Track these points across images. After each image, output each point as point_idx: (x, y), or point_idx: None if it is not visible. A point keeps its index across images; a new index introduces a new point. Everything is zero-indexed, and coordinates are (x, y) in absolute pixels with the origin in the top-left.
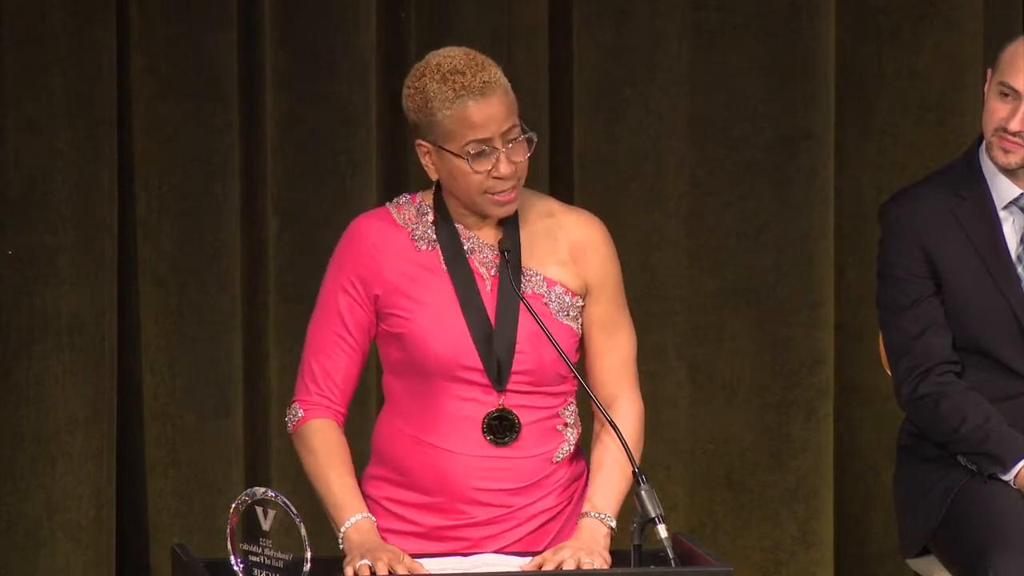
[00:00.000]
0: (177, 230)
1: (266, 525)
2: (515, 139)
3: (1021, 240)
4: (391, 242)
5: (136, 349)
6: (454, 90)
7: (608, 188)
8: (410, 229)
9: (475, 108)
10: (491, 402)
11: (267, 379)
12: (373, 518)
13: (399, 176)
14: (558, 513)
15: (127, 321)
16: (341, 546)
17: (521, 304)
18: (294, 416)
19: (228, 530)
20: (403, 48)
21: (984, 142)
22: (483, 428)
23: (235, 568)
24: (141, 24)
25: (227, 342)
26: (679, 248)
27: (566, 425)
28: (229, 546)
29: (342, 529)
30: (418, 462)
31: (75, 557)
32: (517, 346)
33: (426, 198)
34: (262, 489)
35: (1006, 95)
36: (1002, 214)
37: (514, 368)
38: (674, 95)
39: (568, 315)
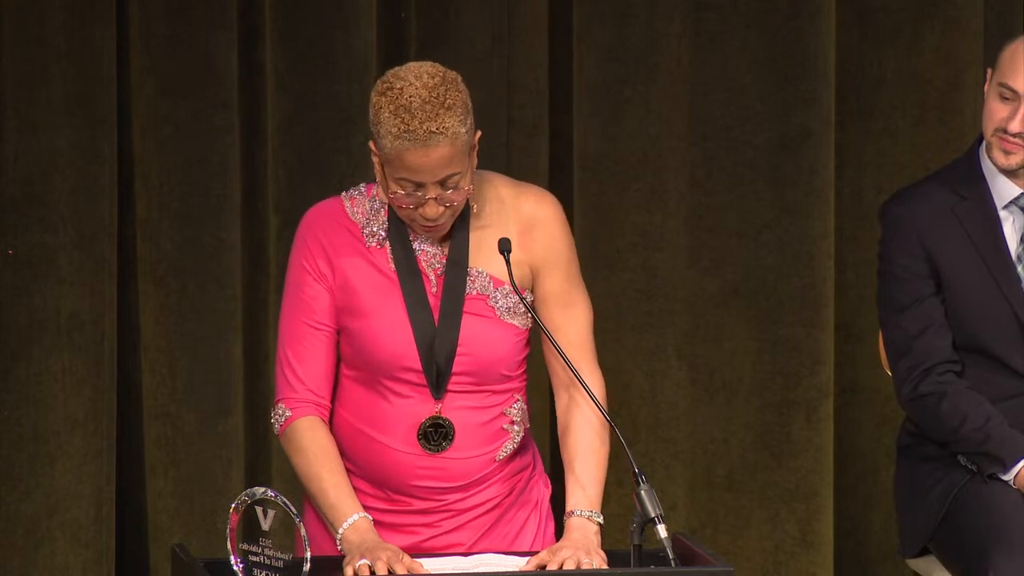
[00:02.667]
0: (177, 230)
1: (266, 525)
2: (453, 186)
3: (1021, 240)
4: (342, 236)
5: (136, 349)
6: (399, 129)
7: (608, 188)
8: (361, 225)
9: (413, 155)
10: (429, 408)
11: (267, 379)
12: (370, 517)
13: None
14: (495, 506)
15: (127, 321)
16: (339, 547)
17: (464, 305)
18: (281, 416)
19: (228, 530)
20: (403, 48)
21: (984, 142)
22: (418, 435)
23: (235, 568)
24: (141, 24)
25: (227, 342)
26: (679, 248)
27: (512, 423)
28: (229, 546)
29: (340, 531)
30: (360, 450)
31: (75, 556)
32: (459, 348)
33: (381, 192)
34: (262, 489)
35: (1006, 96)
36: (1002, 214)
37: (455, 369)
38: (674, 95)
39: (514, 312)
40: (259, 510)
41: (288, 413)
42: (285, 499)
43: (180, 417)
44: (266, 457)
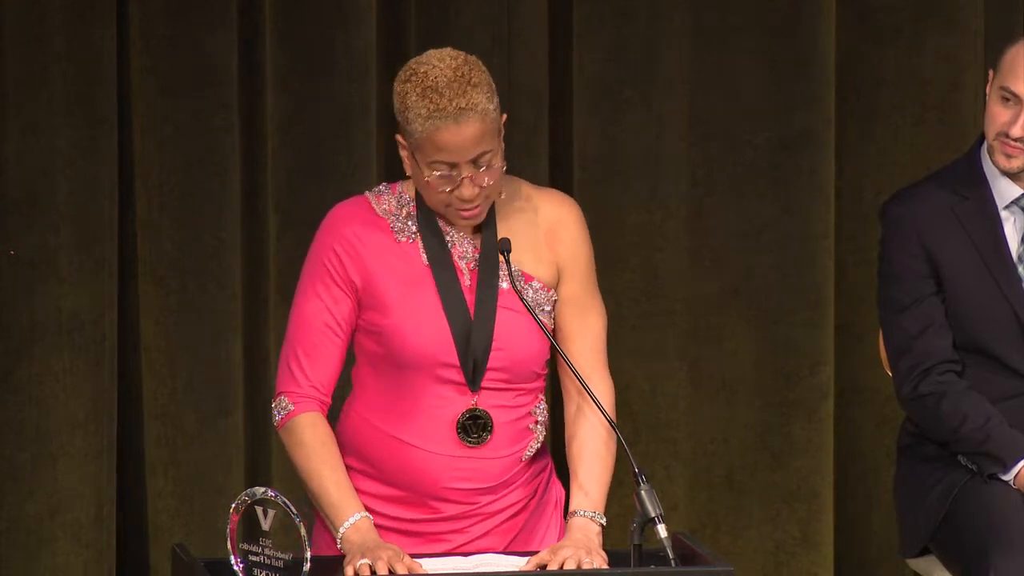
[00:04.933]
0: (177, 230)
1: (266, 525)
2: (486, 164)
3: (1022, 240)
4: (371, 233)
5: (136, 349)
6: (428, 109)
7: (608, 188)
8: (390, 220)
9: (446, 133)
10: (465, 401)
11: (267, 379)
12: (370, 517)
13: (399, 176)
14: (522, 508)
15: (127, 321)
16: (339, 546)
17: (498, 300)
18: (282, 409)
19: (228, 530)
20: (403, 48)
21: (985, 144)
22: (457, 428)
23: (235, 568)
24: (141, 24)
25: (227, 342)
26: (679, 248)
27: (537, 423)
28: (229, 546)
29: (341, 530)
30: (388, 456)
31: (75, 556)
32: (494, 343)
33: (407, 188)
34: (262, 489)
35: (1007, 100)
36: (1003, 214)
37: (489, 365)
38: (674, 95)
39: (544, 310)
40: (259, 510)
41: (290, 407)
42: (285, 499)
43: (180, 417)
44: (266, 457)
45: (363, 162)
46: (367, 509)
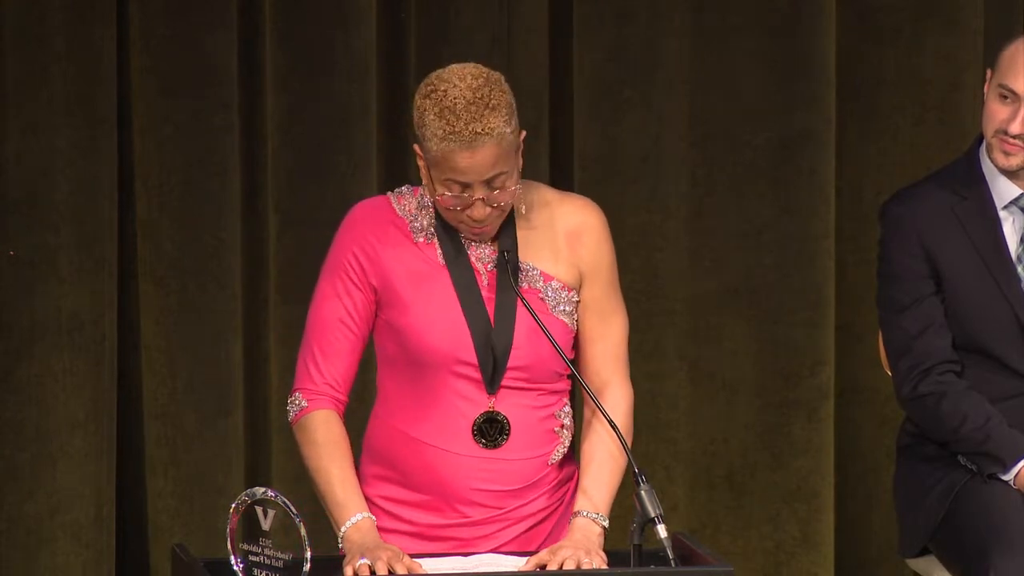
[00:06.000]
0: (177, 230)
1: (266, 525)
2: (500, 186)
3: (1021, 240)
4: (389, 232)
5: (136, 349)
6: (444, 131)
7: (608, 188)
8: (409, 220)
9: (460, 156)
10: (482, 403)
11: (267, 379)
12: (373, 517)
13: (399, 176)
14: (550, 514)
15: (127, 321)
16: (340, 544)
17: (519, 300)
18: (297, 406)
19: (228, 530)
20: (403, 48)
21: (984, 143)
22: (473, 431)
23: (235, 568)
24: (141, 24)
25: (227, 342)
26: (679, 248)
27: (562, 427)
28: (229, 546)
29: (343, 528)
30: (414, 461)
31: (75, 556)
32: (514, 341)
33: (427, 192)
34: (262, 489)
35: (1005, 97)
36: (1002, 214)
37: (510, 364)
38: (674, 95)
39: (564, 310)
40: (259, 510)
41: (304, 404)
42: (285, 499)
43: (180, 417)
44: (266, 457)
45: (363, 162)
46: (396, 518)
